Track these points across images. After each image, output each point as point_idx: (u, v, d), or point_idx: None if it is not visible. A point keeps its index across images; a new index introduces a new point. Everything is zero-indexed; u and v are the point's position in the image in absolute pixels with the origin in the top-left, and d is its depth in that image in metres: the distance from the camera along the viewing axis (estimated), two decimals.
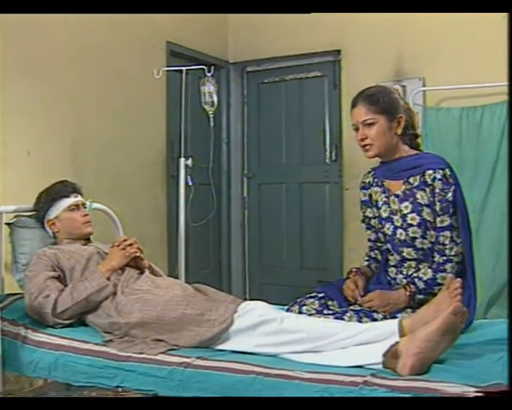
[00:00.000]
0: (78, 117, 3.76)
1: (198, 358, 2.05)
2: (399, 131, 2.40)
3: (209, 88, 3.56)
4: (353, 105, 2.43)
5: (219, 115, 4.99)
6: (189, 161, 3.59)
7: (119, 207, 3.47)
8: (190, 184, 3.61)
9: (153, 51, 4.36)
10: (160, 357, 2.11)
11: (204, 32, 4.90)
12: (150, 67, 4.17)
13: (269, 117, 5.20)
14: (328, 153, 4.96)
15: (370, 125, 2.37)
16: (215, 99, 3.57)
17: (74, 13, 3.10)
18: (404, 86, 4.37)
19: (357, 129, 2.42)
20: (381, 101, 2.37)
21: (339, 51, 4.76)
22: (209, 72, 3.56)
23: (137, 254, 2.66)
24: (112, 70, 3.99)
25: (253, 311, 2.20)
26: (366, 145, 2.40)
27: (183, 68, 3.66)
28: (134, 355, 2.14)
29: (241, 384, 1.86)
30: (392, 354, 1.93)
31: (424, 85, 4.34)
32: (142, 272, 2.64)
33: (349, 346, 2.04)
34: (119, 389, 2.30)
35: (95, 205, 3.17)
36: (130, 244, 2.65)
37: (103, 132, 3.93)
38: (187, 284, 2.54)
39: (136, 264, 2.67)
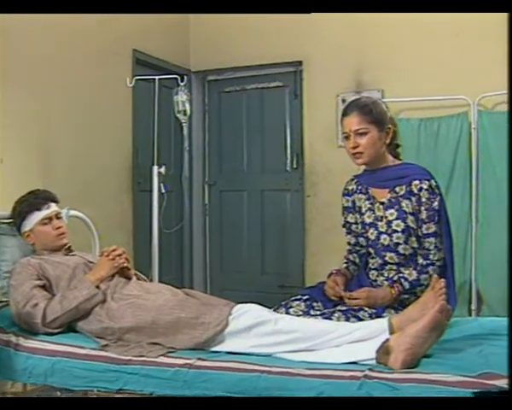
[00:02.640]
0: (48, 124, 3.77)
1: (199, 359, 2.13)
2: (387, 142, 2.56)
3: (182, 97, 3.64)
4: (345, 114, 2.56)
5: (180, 123, 5.07)
6: (162, 169, 3.66)
7: (86, 214, 3.49)
8: (163, 191, 3.68)
9: (119, 59, 4.40)
10: (160, 359, 2.17)
11: (166, 40, 4.97)
12: (117, 74, 4.23)
13: (230, 125, 5.32)
14: (289, 161, 5.11)
15: (362, 134, 2.51)
16: (188, 108, 3.67)
17: (67, 13, 3.12)
18: None
19: (347, 137, 2.56)
20: (373, 112, 2.52)
21: (300, 62, 4.92)
22: (182, 81, 3.65)
23: (126, 265, 2.70)
24: (80, 78, 4.01)
25: (248, 313, 2.29)
26: (357, 153, 2.53)
27: (156, 77, 3.74)
28: (134, 358, 2.20)
29: (247, 382, 1.96)
30: (384, 350, 2.07)
31: (383, 97, 4.53)
32: (130, 279, 2.69)
33: (342, 344, 2.16)
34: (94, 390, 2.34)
35: (72, 212, 3.20)
36: (119, 254, 2.69)
37: (72, 140, 3.95)
38: (177, 289, 2.61)
39: (123, 273, 2.71)
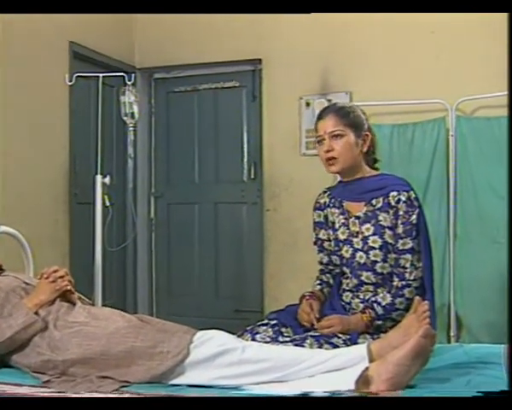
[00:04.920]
0: None
1: (157, 394, 2.14)
2: (364, 149, 2.63)
3: (129, 98, 3.65)
4: (321, 117, 2.64)
5: (124, 127, 5.06)
6: (107, 179, 3.65)
7: (15, 230, 3.44)
8: (108, 204, 3.67)
9: (54, 52, 4.37)
10: (113, 395, 2.16)
11: (108, 32, 4.96)
12: (51, 70, 4.20)
13: (180, 130, 5.34)
14: (246, 170, 5.17)
15: (338, 137, 2.58)
16: (136, 110, 3.68)
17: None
18: (329, 100, 4.63)
19: (320, 142, 2.62)
20: (350, 115, 2.60)
21: (260, 60, 4.98)
22: (129, 80, 3.66)
23: (69, 288, 2.68)
24: (7, 74, 3.96)
25: (211, 340, 2.30)
26: (330, 159, 2.60)
27: (100, 75, 3.74)
28: (84, 395, 2.18)
29: None
30: (363, 380, 2.11)
31: (351, 100, 4.64)
32: (74, 304, 2.67)
33: (317, 374, 2.20)
34: None
35: (2, 228, 3.16)
36: (61, 276, 2.67)
37: None
38: (130, 315, 2.60)
39: (65, 298, 2.68)
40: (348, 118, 2.60)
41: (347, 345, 2.43)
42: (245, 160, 5.18)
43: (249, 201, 5.16)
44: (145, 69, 5.32)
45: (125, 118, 3.69)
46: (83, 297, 2.84)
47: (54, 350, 2.41)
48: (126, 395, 2.15)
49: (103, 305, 4.51)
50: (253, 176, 5.12)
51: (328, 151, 2.59)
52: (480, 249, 4.17)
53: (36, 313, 2.52)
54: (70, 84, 3.75)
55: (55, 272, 2.67)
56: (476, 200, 4.22)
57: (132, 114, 3.68)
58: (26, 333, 2.46)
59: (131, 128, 3.71)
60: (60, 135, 4.44)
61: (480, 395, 1.85)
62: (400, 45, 4.56)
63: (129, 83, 3.67)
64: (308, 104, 4.81)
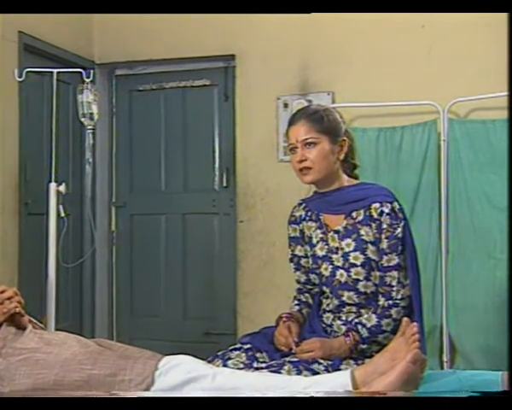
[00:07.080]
0: None
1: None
2: (341, 157, 2.65)
3: (87, 97, 3.64)
4: (292, 123, 2.65)
5: (81, 129, 5.04)
6: (62, 187, 3.64)
7: None
8: (63, 215, 3.65)
9: (1, 44, 4.33)
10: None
11: (64, 23, 4.92)
12: None
13: (144, 133, 5.35)
14: (217, 178, 5.18)
15: (311, 145, 2.59)
16: (95, 111, 3.67)
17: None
18: (310, 101, 4.66)
19: (292, 149, 2.64)
20: (324, 120, 2.61)
21: (233, 56, 5.00)
22: (88, 77, 3.66)
23: (18, 311, 2.66)
24: None
25: (179, 367, 2.30)
26: (304, 168, 2.61)
27: (54, 70, 3.73)
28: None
29: None
30: None
31: (333, 101, 4.67)
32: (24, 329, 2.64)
33: None
34: None
35: None
36: (9, 297, 2.64)
37: None
38: (87, 340, 2.59)
39: (14, 321, 2.65)
40: (322, 123, 2.60)
41: (329, 371, 2.45)
42: (216, 166, 5.19)
43: (221, 211, 5.17)
44: (105, 65, 5.31)
45: (82, 119, 3.67)
46: (34, 321, 2.81)
47: None
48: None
49: (57, 329, 4.48)
50: (225, 184, 5.13)
51: (300, 161, 2.61)
52: (475, 265, 4.20)
53: None
54: (20, 80, 3.73)
55: (2, 292, 2.64)
56: (470, 211, 4.25)
57: (91, 114, 3.67)
58: None
59: (90, 130, 3.70)
60: (8, 137, 4.40)
61: (479, 395, 1.88)
62: (388, 41, 4.59)
63: (87, 80, 3.66)
64: (286, 105, 4.83)
